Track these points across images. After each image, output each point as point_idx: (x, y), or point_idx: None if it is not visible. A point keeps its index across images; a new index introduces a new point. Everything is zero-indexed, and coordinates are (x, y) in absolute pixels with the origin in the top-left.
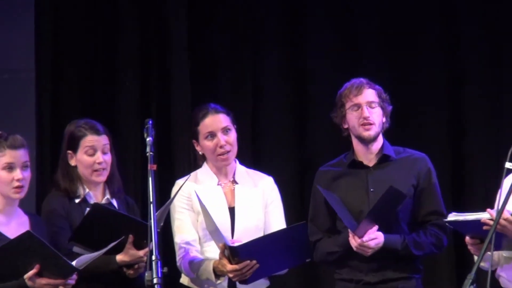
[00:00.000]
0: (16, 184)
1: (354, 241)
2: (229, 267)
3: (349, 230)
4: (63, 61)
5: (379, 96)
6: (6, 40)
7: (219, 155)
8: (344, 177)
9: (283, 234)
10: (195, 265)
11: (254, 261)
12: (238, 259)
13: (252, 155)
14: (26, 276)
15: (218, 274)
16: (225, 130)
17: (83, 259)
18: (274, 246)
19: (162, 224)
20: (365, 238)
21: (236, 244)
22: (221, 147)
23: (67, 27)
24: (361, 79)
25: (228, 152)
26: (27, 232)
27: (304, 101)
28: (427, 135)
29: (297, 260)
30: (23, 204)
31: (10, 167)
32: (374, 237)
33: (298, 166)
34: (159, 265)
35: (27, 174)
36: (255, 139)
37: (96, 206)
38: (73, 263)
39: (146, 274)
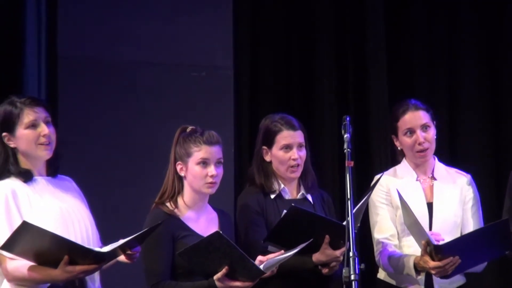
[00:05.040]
0: (210, 180)
1: None
2: (432, 263)
3: None
4: (261, 59)
5: None
6: (205, 37)
7: (417, 152)
8: None
9: (487, 230)
10: (394, 260)
11: (457, 257)
12: (441, 256)
13: (449, 152)
14: (215, 277)
15: (418, 269)
16: (424, 127)
17: (271, 262)
18: (477, 242)
19: (359, 224)
20: None
21: (441, 243)
22: (419, 144)
23: (265, 26)
24: None
25: (426, 149)
26: (216, 233)
27: (501, 97)
28: None
29: (497, 253)
30: (221, 200)
31: (204, 163)
32: None
33: (494, 163)
34: (356, 261)
35: (220, 171)
36: (452, 135)
37: (293, 208)
38: (262, 266)
39: (344, 271)
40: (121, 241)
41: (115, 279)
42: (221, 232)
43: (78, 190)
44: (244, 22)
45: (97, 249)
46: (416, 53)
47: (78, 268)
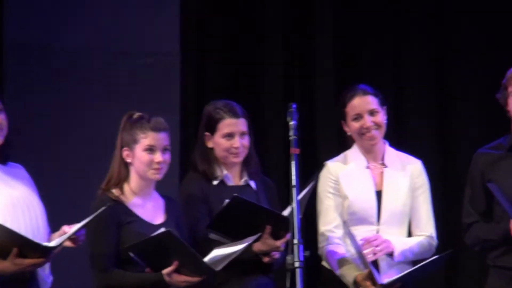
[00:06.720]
0: (156, 166)
1: None
2: None
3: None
4: (208, 45)
5: None
6: (152, 24)
7: (363, 134)
8: (504, 160)
9: (429, 265)
10: (336, 262)
11: (398, 284)
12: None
13: (396, 137)
14: (164, 271)
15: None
16: (372, 112)
17: (216, 256)
18: (419, 273)
19: (301, 216)
20: None
21: (385, 281)
22: (366, 128)
23: (212, 11)
24: None
25: (374, 133)
26: (167, 232)
27: (447, 83)
28: None
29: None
30: (167, 187)
31: (151, 149)
32: None
33: (441, 148)
34: (300, 249)
35: (167, 157)
36: (398, 121)
37: (236, 198)
38: (207, 258)
39: (288, 258)
40: (69, 232)
41: (64, 265)
42: (171, 231)
43: (28, 178)
44: (191, 8)
45: (45, 244)
46: (363, 40)
47: (27, 261)
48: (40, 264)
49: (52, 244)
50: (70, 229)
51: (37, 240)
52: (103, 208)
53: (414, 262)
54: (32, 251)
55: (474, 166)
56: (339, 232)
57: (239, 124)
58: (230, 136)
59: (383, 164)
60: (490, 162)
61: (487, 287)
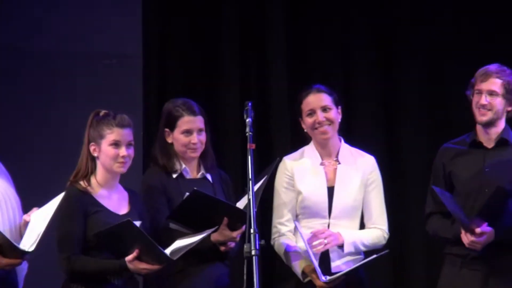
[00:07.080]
0: (121, 160)
1: (466, 238)
2: (319, 283)
3: (461, 228)
4: (169, 46)
5: (504, 87)
6: (114, 25)
7: (316, 129)
8: (464, 155)
9: (370, 262)
10: (287, 253)
11: (343, 277)
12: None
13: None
14: (127, 258)
15: (306, 274)
16: (325, 109)
17: (177, 247)
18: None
19: (255, 210)
20: (475, 238)
21: (328, 279)
22: (319, 123)
23: (173, 13)
24: (493, 66)
25: (326, 128)
26: (127, 221)
27: (394, 85)
28: None
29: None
30: (130, 182)
31: (116, 144)
32: (484, 231)
33: (388, 144)
34: (257, 237)
35: (131, 151)
36: (347, 120)
37: (195, 192)
38: (168, 250)
39: (245, 246)
40: (41, 231)
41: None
42: (130, 220)
43: (5, 172)
44: (153, 10)
45: (23, 248)
46: (313, 43)
47: (5, 261)
48: (16, 265)
49: (27, 248)
50: (29, 217)
51: (13, 234)
52: (60, 195)
53: (364, 252)
54: (11, 252)
55: (438, 159)
56: (291, 226)
57: (196, 121)
58: (189, 133)
59: (337, 161)
60: (452, 156)
61: (443, 272)
